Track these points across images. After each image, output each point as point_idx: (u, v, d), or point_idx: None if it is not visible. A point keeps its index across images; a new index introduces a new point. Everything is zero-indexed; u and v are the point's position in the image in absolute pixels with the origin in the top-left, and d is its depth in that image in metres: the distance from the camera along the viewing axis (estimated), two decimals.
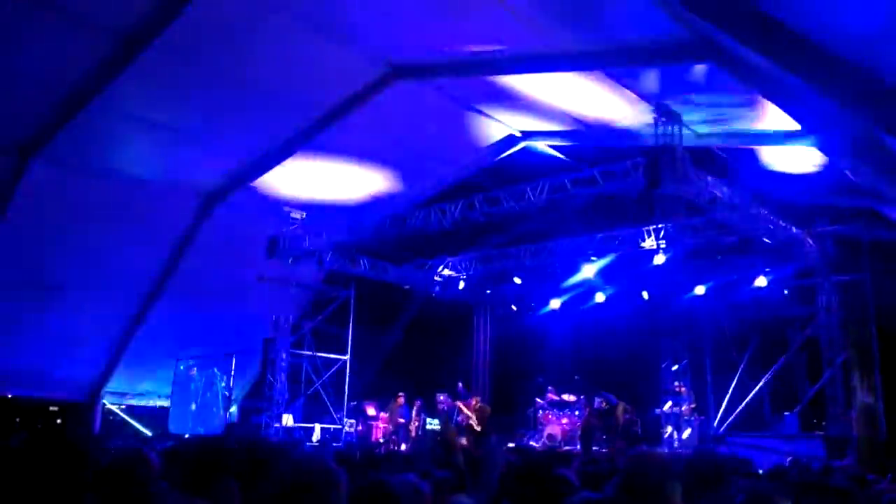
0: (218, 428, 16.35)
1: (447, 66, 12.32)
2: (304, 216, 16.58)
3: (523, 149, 15.45)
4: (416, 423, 17.71)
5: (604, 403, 15.70)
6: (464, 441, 14.23)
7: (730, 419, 15.97)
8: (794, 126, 10.59)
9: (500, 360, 21.37)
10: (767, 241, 14.54)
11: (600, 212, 15.33)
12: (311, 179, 15.83)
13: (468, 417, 15.69)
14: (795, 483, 4.21)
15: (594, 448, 15.22)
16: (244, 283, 17.00)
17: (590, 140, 14.28)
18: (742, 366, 16.32)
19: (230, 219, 16.19)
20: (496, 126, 14.72)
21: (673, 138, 10.92)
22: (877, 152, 8.99)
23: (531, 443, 16.86)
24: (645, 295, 17.50)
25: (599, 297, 18.57)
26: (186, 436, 15.78)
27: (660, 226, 14.38)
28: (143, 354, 18.19)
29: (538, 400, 17.98)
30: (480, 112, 14.11)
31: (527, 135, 14.98)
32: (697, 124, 11.75)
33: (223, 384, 17.42)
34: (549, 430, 17.18)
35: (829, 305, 14.53)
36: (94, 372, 17.91)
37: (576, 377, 18.62)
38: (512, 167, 15.55)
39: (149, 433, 18.41)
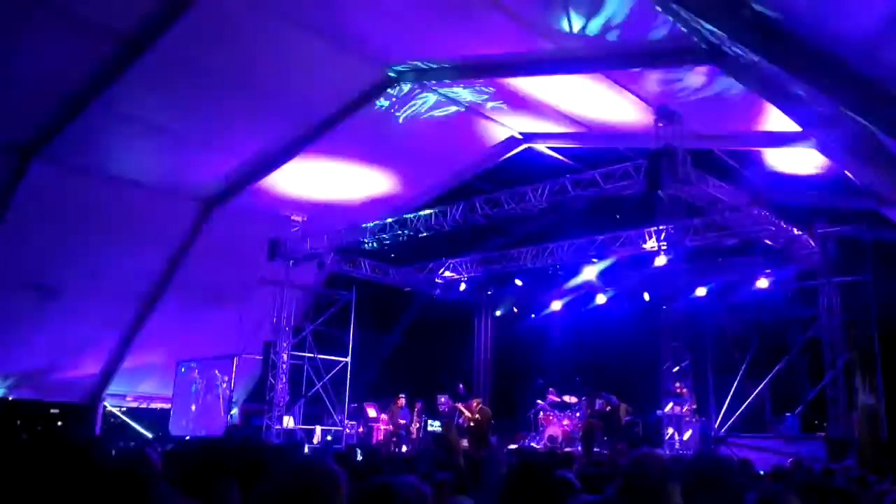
0: (219, 430, 16.35)
1: (447, 69, 12.34)
2: (304, 219, 16.60)
3: (524, 151, 15.46)
4: (418, 425, 17.71)
5: (605, 405, 15.67)
6: (465, 443, 14.23)
7: (731, 420, 15.94)
8: (795, 128, 10.59)
9: (501, 361, 21.38)
10: (769, 242, 14.54)
11: (601, 214, 15.33)
12: (312, 182, 15.84)
13: (469, 419, 15.68)
14: (797, 484, 4.21)
15: (595, 449, 15.20)
16: (245, 286, 17.00)
17: (591, 142, 14.29)
18: (743, 367, 16.28)
19: (231, 221, 16.20)
20: (497, 128, 14.73)
21: (674, 140, 10.93)
22: (877, 154, 8.99)
23: (532, 444, 16.83)
24: (646, 296, 17.49)
25: (600, 299, 18.57)
26: (187, 438, 15.78)
27: (661, 227, 14.37)
28: (144, 356, 18.19)
29: (539, 401, 17.96)
30: (481, 114, 14.12)
31: (528, 137, 14.99)
32: (698, 126, 11.75)
33: (224, 386, 17.42)
34: (549, 431, 17.15)
35: (830, 307, 14.51)
36: (95, 374, 17.90)
37: (577, 378, 18.60)
38: (513, 169, 15.56)
39: (149, 435, 18.41)
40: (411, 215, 14.79)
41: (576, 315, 19.49)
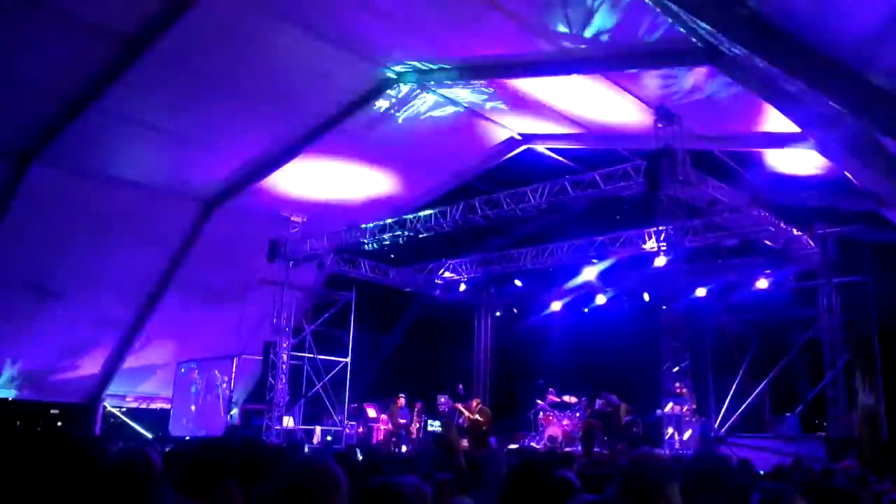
0: (219, 430, 16.36)
1: (447, 69, 12.34)
2: (304, 220, 16.61)
3: (524, 152, 15.47)
4: (418, 425, 17.71)
5: (605, 405, 15.68)
6: (465, 443, 14.23)
7: (731, 420, 15.95)
8: (794, 129, 10.60)
9: (501, 361, 21.39)
10: (769, 243, 14.54)
11: (601, 214, 15.32)
12: (312, 183, 15.85)
13: (469, 419, 15.69)
14: (797, 484, 4.22)
15: (595, 449, 15.21)
16: (245, 287, 17.01)
17: (590, 143, 14.30)
18: (743, 367, 16.30)
19: (231, 222, 16.21)
20: (497, 129, 14.73)
21: (673, 141, 10.93)
22: (876, 155, 8.99)
23: (532, 444, 16.84)
24: (646, 297, 17.49)
25: (600, 300, 18.57)
26: (187, 438, 15.78)
27: (661, 228, 14.38)
28: (144, 357, 18.20)
29: (539, 402, 17.97)
30: (481, 115, 14.13)
31: (527, 138, 15.00)
32: (698, 127, 11.76)
33: (224, 386, 17.43)
34: (549, 431, 17.16)
35: (830, 307, 14.51)
36: (95, 374, 17.91)
37: (578, 379, 18.61)
38: (513, 170, 15.57)
39: (149, 435, 18.40)
40: (411, 216, 14.80)
41: (576, 315, 19.50)
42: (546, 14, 9.92)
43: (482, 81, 12.58)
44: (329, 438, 17.58)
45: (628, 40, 9.97)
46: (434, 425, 18.04)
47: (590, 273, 17.42)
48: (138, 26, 10.90)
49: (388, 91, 13.07)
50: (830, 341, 14.36)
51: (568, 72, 11.23)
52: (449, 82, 12.80)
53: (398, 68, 12.58)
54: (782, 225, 13.85)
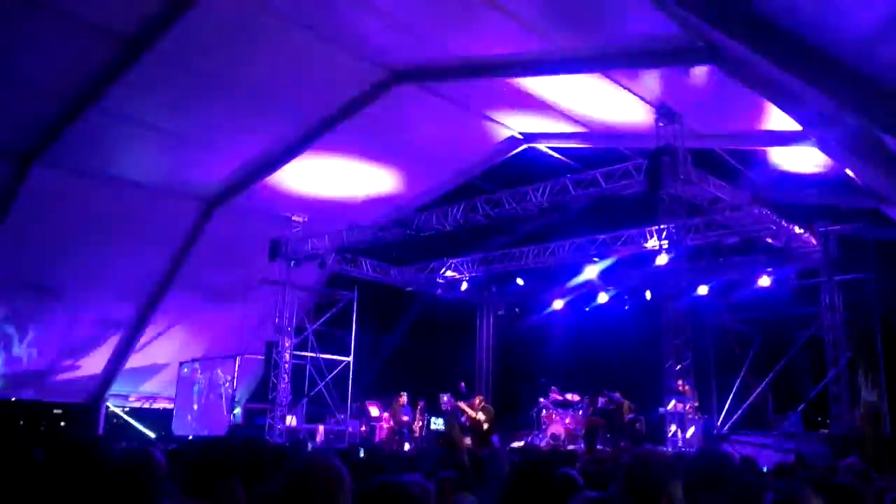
0: (222, 429, 16.39)
1: (448, 69, 12.34)
2: (306, 219, 16.62)
3: (525, 151, 15.47)
4: (420, 423, 17.72)
5: (608, 402, 15.68)
6: (468, 441, 14.23)
7: (733, 418, 15.96)
8: (796, 127, 10.59)
9: (504, 360, 21.38)
10: (770, 241, 14.53)
11: (602, 213, 15.33)
12: (313, 182, 15.85)
13: (471, 417, 15.69)
14: (800, 480, 4.21)
15: (598, 447, 15.21)
16: (247, 286, 17.03)
17: (591, 142, 14.30)
18: (745, 365, 16.30)
19: (232, 221, 16.22)
20: (498, 128, 14.73)
21: (674, 139, 10.93)
22: (877, 153, 8.99)
23: (535, 442, 16.84)
24: (648, 295, 17.47)
25: (602, 298, 18.57)
26: (190, 437, 15.81)
27: (662, 226, 14.36)
28: (146, 356, 18.22)
29: (541, 399, 17.97)
30: (482, 114, 14.13)
31: (528, 137, 15.00)
32: (699, 125, 11.75)
33: (227, 386, 17.45)
34: (552, 429, 17.15)
35: (832, 305, 14.51)
36: (98, 374, 17.93)
37: (580, 378, 18.62)
38: (514, 169, 15.57)
39: (152, 435, 18.43)
40: (413, 215, 14.79)
41: (578, 314, 19.50)
42: (546, 14, 9.92)
43: (483, 80, 12.57)
44: (332, 437, 17.57)
45: (629, 39, 9.96)
46: (437, 423, 18.05)
47: (591, 272, 17.40)
48: (138, 26, 10.91)
49: (389, 90, 13.07)
50: (833, 339, 14.35)
51: (568, 71, 11.23)
52: (449, 82, 12.80)
53: (398, 67, 12.57)
54: (784, 223, 13.84)
